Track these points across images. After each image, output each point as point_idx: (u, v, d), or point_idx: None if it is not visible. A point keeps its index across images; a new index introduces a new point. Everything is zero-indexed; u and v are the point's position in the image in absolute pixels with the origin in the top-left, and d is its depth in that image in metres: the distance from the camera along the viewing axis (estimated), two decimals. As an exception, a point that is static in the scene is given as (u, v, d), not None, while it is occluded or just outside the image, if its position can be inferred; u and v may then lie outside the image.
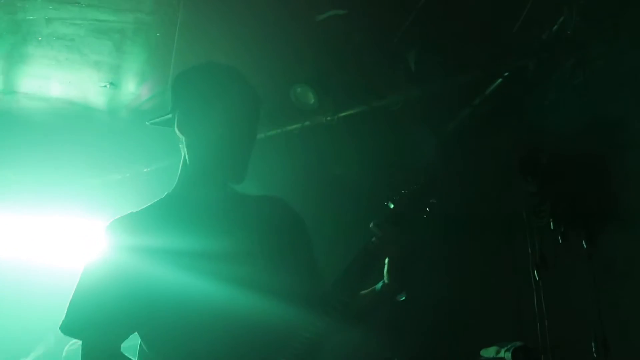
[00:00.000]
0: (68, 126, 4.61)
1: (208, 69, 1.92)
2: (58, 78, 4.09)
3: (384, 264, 1.81)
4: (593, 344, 2.95)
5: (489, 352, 3.08)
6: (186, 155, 1.84)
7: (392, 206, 1.79)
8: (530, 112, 3.48)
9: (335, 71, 3.71)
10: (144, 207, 1.87)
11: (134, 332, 1.76)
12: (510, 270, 3.43)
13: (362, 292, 1.84)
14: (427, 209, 1.82)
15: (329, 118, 3.94)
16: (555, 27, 3.18)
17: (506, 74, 3.46)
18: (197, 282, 1.71)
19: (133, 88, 4.24)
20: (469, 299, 3.60)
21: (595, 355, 2.94)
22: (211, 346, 1.67)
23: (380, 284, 1.83)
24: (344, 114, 3.93)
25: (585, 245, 3.04)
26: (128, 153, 4.82)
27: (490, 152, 3.62)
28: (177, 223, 1.80)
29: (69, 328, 1.71)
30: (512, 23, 3.20)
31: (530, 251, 3.23)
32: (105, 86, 4.15)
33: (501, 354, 3.00)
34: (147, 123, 2.11)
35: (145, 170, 4.97)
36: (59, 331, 1.73)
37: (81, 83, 4.15)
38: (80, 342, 1.73)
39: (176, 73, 1.98)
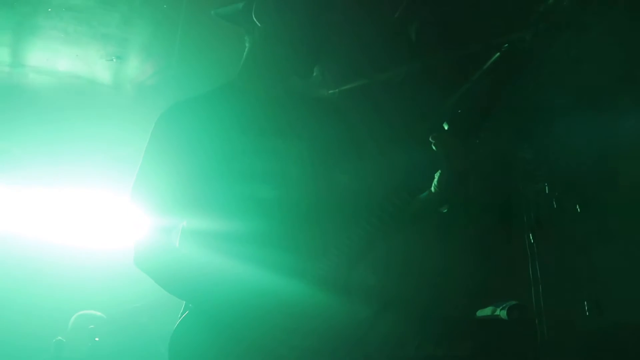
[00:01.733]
0: (74, 101, 4.70)
1: None
2: (66, 52, 4.17)
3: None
4: (585, 304, 3.06)
5: (485, 311, 3.19)
6: (257, 45, 1.93)
7: (446, 127, 1.85)
8: (527, 84, 3.58)
9: (337, 44, 3.80)
10: (202, 94, 1.96)
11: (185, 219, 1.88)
12: (505, 234, 3.54)
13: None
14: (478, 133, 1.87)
15: (331, 91, 4.04)
16: (551, -1, 3.27)
17: (505, 45, 3.55)
18: (243, 180, 1.82)
19: (139, 62, 4.33)
20: (465, 263, 3.71)
21: (587, 314, 3.05)
22: (249, 235, 1.78)
23: (426, 193, 1.88)
24: (345, 87, 4.03)
25: (579, 209, 3.14)
26: (133, 128, 4.92)
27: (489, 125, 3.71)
28: (233, 117, 1.88)
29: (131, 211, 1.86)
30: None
31: (525, 217, 3.33)
32: (112, 60, 4.24)
33: (497, 313, 3.11)
34: (212, 13, 2.12)
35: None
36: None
37: (88, 57, 4.23)
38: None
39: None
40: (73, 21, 3.82)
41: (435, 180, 1.84)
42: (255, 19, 1.90)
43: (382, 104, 4.06)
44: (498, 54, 3.72)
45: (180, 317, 1.84)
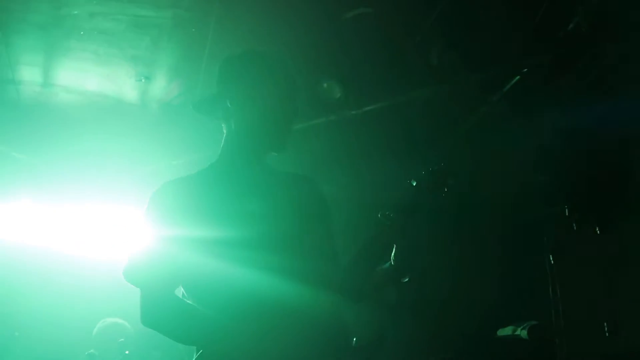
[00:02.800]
0: (102, 119, 4.82)
1: (255, 52, 2.18)
2: (96, 72, 4.30)
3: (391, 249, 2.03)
4: (605, 324, 3.11)
5: (506, 331, 3.25)
6: (232, 128, 2.09)
7: (414, 183, 1.99)
8: (546, 107, 3.66)
9: (360, 67, 3.90)
10: (189, 173, 2.12)
11: (181, 283, 2.01)
12: (525, 257, 3.60)
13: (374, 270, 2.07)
14: (445, 189, 2.02)
15: (353, 112, 4.14)
16: (571, 25, 3.35)
17: (524, 70, 3.63)
18: (232, 246, 1.95)
19: (166, 83, 4.45)
20: (485, 284, 3.77)
21: (607, 335, 3.10)
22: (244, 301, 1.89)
23: (387, 265, 2.04)
24: (368, 108, 4.13)
25: (598, 232, 3.20)
26: (158, 146, 5.04)
27: (508, 145, 3.79)
28: (218, 191, 2.04)
29: (128, 277, 1.96)
30: (529, 22, 3.39)
31: (545, 238, 3.39)
32: (141, 80, 4.36)
33: (517, 332, 3.17)
34: (191, 106, 2.29)
35: (174, 163, 5.18)
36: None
37: (117, 77, 4.36)
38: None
39: (221, 60, 2.21)
40: (104, 44, 3.95)
41: (393, 253, 2.01)
42: (227, 105, 2.07)
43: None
44: (518, 77, 3.81)
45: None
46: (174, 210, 1.98)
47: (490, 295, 3.69)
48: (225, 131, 2.13)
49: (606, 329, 3.11)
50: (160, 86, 4.48)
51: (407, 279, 2.02)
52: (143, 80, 4.35)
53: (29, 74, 4.32)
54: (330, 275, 2.02)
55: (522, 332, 3.15)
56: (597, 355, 3.20)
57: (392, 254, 2.01)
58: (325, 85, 4.00)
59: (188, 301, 1.98)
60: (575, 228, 3.27)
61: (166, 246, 1.95)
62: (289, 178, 2.20)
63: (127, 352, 4.00)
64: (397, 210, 1.98)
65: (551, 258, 3.30)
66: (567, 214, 3.23)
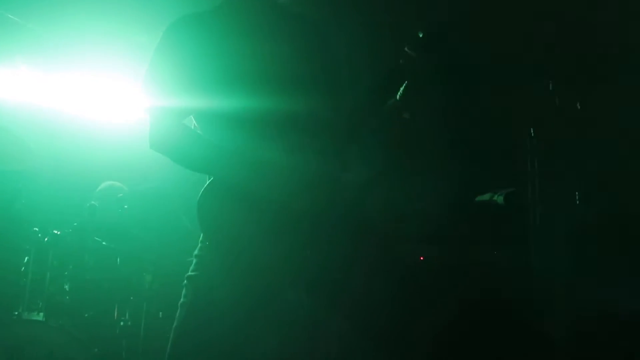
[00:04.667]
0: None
1: None
2: None
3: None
4: (576, 193, 3.32)
5: (484, 197, 3.46)
6: None
7: (421, 35, 2.10)
8: None
9: None
10: (203, 11, 2.23)
11: (191, 114, 2.16)
12: (507, 129, 3.76)
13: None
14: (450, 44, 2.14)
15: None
16: None
17: None
18: (240, 83, 2.10)
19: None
20: (468, 153, 3.95)
21: (577, 202, 3.31)
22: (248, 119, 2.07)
23: (392, 101, 2.18)
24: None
25: (579, 106, 3.35)
26: (154, 15, 5.03)
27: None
28: (232, 29, 2.17)
29: (143, 104, 2.13)
30: None
31: (528, 112, 3.54)
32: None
33: (495, 198, 3.38)
34: None
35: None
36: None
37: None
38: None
39: None
40: None
41: (401, 88, 2.14)
42: None
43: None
44: None
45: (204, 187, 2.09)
46: (187, 49, 2.10)
47: (473, 164, 3.87)
48: None
49: (577, 198, 3.32)
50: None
51: (407, 116, 2.17)
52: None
53: None
54: (332, 111, 2.17)
55: (498, 198, 3.35)
56: (566, 221, 3.43)
57: (400, 90, 2.14)
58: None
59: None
60: (557, 103, 3.41)
61: (179, 80, 2.08)
62: (298, 19, 2.30)
63: (125, 206, 4.22)
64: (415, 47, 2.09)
65: (532, 131, 3.46)
66: (550, 88, 3.36)
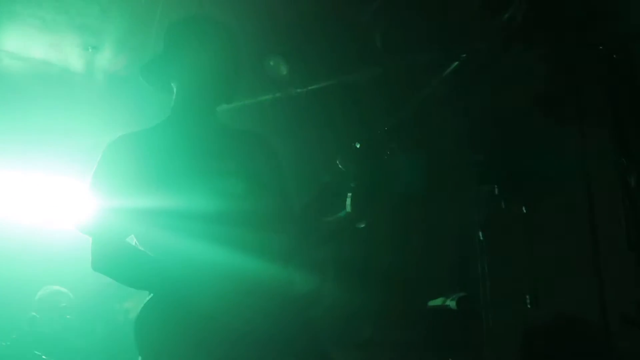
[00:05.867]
0: (47, 88, 4.79)
1: (200, 16, 2.38)
2: (42, 39, 4.27)
3: (346, 197, 2.16)
4: (527, 297, 3.32)
5: (436, 302, 3.44)
6: (181, 85, 2.20)
7: (358, 145, 2.13)
8: (482, 91, 3.84)
9: (307, 44, 4.00)
10: (142, 129, 2.21)
11: (131, 232, 2.10)
12: (456, 233, 3.79)
13: (327, 219, 2.20)
14: (388, 152, 2.17)
15: (299, 90, 4.24)
16: (507, 15, 3.52)
17: (463, 55, 3.80)
18: (184, 195, 2.05)
19: (114, 53, 4.45)
20: (418, 258, 3.95)
21: (529, 306, 3.31)
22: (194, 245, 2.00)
23: (343, 213, 2.17)
24: (313, 87, 4.24)
25: (524, 210, 3.40)
26: (103, 117, 5.03)
27: (447, 125, 3.96)
28: (170, 147, 2.14)
29: (80, 226, 2.07)
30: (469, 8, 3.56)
31: (476, 215, 3.58)
32: (88, 50, 4.34)
33: (447, 303, 3.36)
34: (139, 69, 2.32)
35: (119, 135, 5.17)
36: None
37: (64, 45, 4.34)
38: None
39: (168, 24, 2.31)
40: (52, 10, 3.92)
41: (349, 199, 2.14)
42: (176, 64, 2.18)
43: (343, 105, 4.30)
44: (457, 62, 3.97)
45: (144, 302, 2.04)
46: (126, 165, 2.07)
47: (423, 270, 3.87)
48: (175, 89, 2.22)
49: (528, 301, 3.32)
50: (108, 57, 4.47)
51: (362, 225, 2.15)
52: (90, 50, 4.35)
53: (-29, 38, 4.27)
54: (283, 228, 2.14)
55: (451, 303, 3.34)
56: (519, 325, 3.41)
57: (348, 201, 2.13)
58: (271, 62, 4.09)
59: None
60: (503, 206, 3.46)
61: (119, 199, 2.03)
62: (240, 134, 2.31)
63: (68, 317, 4.04)
64: (351, 160, 2.11)
65: (481, 234, 3.49)
66: (496, 192, 3.42)
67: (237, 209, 2.08)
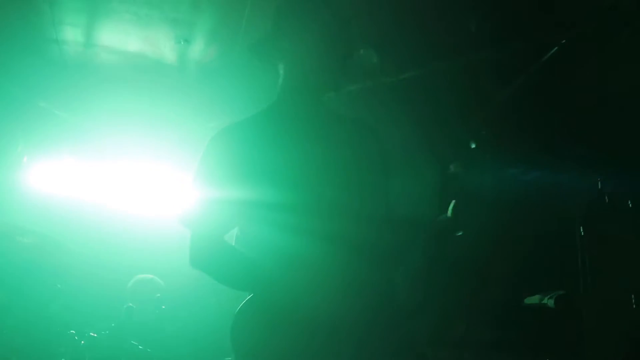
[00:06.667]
0: (141, 80, 4.92)
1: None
2: (136, 33, 4.37)
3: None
4: (632, 296, 3.14)
5: (533, 299, 3.30)
6: (289, 67, 2.12)
7: (473, 146, 2.04)
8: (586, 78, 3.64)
9: (398, 34, 3.91)
10: (247, 117, 2.13)
11: (234, 227, 2.06)
12: (555, 229, 3.63)
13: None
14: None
15: (390, 79, 4.16)
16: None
17: (563, 41, 3.61)
18: (290, 189, 1.99)
19: (205, 45, 4.50)
20: (514, 254, 3.81)
21: (634, 306, 3.13)
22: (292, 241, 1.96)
23: (443, 217, 2.08)
24: (405, 76, 4.15)
25: (630, 205, 3.21)
26: (194, 108, 5.14)
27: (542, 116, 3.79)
28: (277, 135, 2.06)
29: (181, 219, 2.04)
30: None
31: (577, 210, 3.41)
32: (180, 43, 4.42)
33: (544, 301, 3.21)
34: (249, 46, 2.25)
35: (209, 125, 5.28)
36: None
37: (157, 39, 4.42)
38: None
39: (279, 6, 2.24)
40: (146, 5, 4.01)
41: (451, 206, 2.05)
42: (284, 42, 2.09)
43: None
44: (556, 48, 3.78)
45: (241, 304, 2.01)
46: (231, 157, 2.00)
47: (521, 264, 3.73)
48: (281, 72, 2.15)
49: (633, 301, 3.14)
50: (199, 49, 4.52)
51: (460, 233, 2.07)
52: (182, 43, 4.41)
53: (71, 33, 4.41)
54: (382, 228, 2.06)
55: (549, 302, 3.19)
56: (622, 326, 3.24)
57: (450, 207, 2.06)
58: (361, 51, 4.02)
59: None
60: (607, 200, 3.28)
61: (221, 192, 1.98)
62: (350, 122, 2.19)
63: (163, 307, 4.16)
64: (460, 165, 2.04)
65: (581, 229, 3.32)
66: (599, 186, 3.24)
67: (346, 204, 2.01)
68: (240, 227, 2.06)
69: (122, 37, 4.43)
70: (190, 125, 5.40)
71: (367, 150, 2.14)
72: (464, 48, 3.85)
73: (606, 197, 3.26)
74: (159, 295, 4.24)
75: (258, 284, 1.97)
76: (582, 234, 3.34)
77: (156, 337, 4.09)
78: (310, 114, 2.12)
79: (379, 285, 2.00)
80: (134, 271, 4.65)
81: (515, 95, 4.00)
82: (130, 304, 4.01)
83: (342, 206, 2.00)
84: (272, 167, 1.99)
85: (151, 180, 5.41)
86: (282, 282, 1.93)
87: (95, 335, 3.83)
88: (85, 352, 3.78)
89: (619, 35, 3.37)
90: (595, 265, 3.32)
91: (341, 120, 2.18)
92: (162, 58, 4.66)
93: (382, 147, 2.21)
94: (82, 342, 3.78)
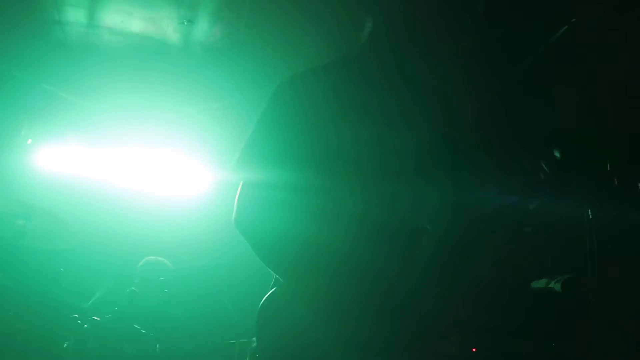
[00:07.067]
0: (145, 61, 4.88)
1: None
2: (139, 14, 4.34)
3: None
4: (641, 281, 3.08)
5: (540, 283, 3.25)
6: (380, 26, 1.90)
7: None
8: (595, 59, 3.55)
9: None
10: (324, 66, 1.92)
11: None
12: (562, 211, 3.56)
13: None
14: None
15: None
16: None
17: (573, 20, 3.53)
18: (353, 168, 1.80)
19: (209, 26, 4.45)
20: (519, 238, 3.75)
21: (642, 292, 3.07)
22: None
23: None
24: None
25: (640, 188, 3.14)
26: (200, 88, 5.09)
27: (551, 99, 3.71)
28: (349, 100, 1.84)
29: (236, 168, 1.85)
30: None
31: (585, 192, 3.34)
32: (183, 23, 4.37)
33: (551, 285, 3.17)
34: None
35: (214, 105, 5.24)
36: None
37: (161, 19, 4.38)
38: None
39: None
40: (149, -15, 3.97)
41: None
42: None
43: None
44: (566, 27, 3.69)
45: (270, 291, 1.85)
46: (296, 118, 1.82)
47: (524, 247, 3.67)
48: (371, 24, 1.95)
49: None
50: (203, 29, 4.48)
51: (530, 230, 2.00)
52: (185, 23, 4.37)
53: (74, 14, 4.38)
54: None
55: (555, 285, 3.14)
56: (632, 312, 3.18)
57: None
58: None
59: None
60: (616, 183, 3.21)
61: (282, 158, 1.81)
62: (431, 98, 1.87)
63: (166, 290, 4.13)
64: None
65: (589, 212, 3.26)
66: (609, 168, 3.17)
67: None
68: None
69: (125, 18, 4.40)
70: (195, 106, 5.36)
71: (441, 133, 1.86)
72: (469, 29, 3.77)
73: (615, 180, 3.20)
74: (162, 278, 4.21)
75: (293, 268, 1.79)
76: (591, 216, 3.28)
77: (160, 320, 4.08)
78: (389, 80, 1.84)
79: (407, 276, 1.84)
80: (140, 253, 4.63)
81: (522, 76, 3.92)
82: (134, 288, 3.99)
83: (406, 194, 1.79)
84: (336, 146, 1.79)
85: (156, 160, 5.38)
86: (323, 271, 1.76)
87: (98, 319, 3.81)
88: (89, 336, 3.77)
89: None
90: (604, 248, 3.26)
91: (420, 91, 1.85)
92: (166, 39, 4.62)
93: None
94: (85, 325, 3.77)
